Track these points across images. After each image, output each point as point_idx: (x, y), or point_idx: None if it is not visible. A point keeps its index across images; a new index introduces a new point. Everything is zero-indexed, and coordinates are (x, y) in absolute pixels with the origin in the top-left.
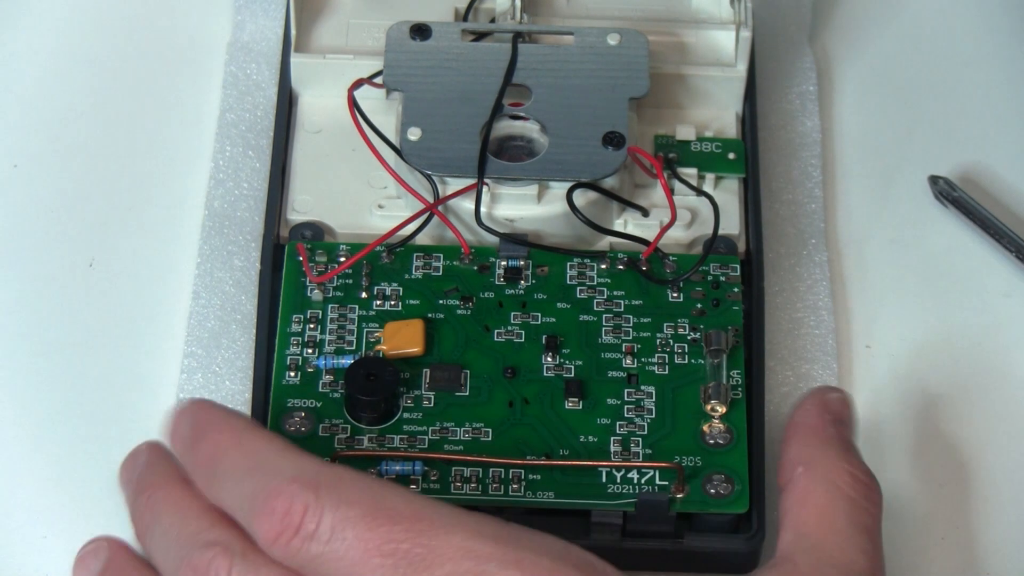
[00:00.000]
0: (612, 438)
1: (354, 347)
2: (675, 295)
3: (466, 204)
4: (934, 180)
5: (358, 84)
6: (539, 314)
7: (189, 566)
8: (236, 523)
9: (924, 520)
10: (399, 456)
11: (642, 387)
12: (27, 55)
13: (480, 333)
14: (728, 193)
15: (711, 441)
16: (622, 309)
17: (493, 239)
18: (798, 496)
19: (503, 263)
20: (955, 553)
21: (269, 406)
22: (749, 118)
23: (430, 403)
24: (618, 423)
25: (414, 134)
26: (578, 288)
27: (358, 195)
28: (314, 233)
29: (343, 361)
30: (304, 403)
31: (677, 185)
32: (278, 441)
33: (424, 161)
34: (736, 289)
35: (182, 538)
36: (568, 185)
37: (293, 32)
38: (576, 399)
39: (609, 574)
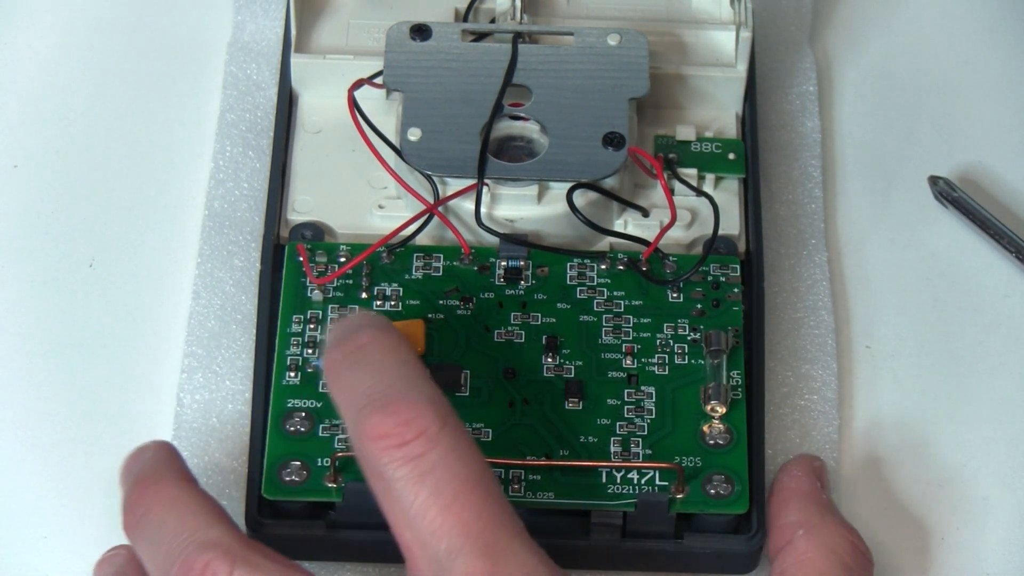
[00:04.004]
0: (612, 438)
1: None
2: (675, 295)
3: (466, 204)
4: (934, 180)
5: (358, 84)
6: (539, 314)
7: (185, 565)
8: (235, 524)
9: (924, 520)
10: None
11: (642, 387)
12: (27, 55)
13: (480, 333)
14: (728, 193)
15: (711, 442)
16: (622, 309)
17: (493, 239)
18: (797, 558)
19: (503, 263)
20: (955, 553)
21: (269, 406)
22: (749, 118)
23: None
24: (618, 423)
25: (414, 134)
26: (578, 288)
27: (358, 195)
28: (314, 233)
29: None
30: (304, 403)
31: (677, 185)
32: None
33: (424, 161)
34: (736, 289)
35: (178, 535)
36: (568, 185)
37: (293, 32)
38: (576, 399)
39: None
